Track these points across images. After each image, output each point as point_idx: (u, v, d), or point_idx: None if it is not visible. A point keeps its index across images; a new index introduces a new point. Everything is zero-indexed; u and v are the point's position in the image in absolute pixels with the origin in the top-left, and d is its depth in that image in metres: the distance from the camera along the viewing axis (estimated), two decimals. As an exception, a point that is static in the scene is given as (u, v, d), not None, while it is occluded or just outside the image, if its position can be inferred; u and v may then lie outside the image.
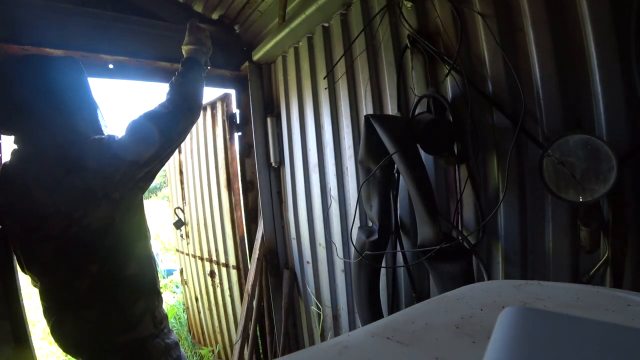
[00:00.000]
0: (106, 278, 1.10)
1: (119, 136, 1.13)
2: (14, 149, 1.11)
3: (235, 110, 2.68)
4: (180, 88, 1.25)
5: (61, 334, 1.13)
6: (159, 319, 1.20)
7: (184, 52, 1.38)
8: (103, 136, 1.14)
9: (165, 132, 1.15)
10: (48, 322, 1.14)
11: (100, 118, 1.21)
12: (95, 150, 1.08)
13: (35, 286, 1.19)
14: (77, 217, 1.04)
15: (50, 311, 1.12)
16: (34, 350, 1.25)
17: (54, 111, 1.08)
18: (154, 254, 1.30)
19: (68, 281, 1.09)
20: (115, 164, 1.08)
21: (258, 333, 2.66)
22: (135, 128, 1.14)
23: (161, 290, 1.27)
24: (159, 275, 1.28)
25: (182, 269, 3.72)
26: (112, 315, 1.10)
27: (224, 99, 2.67)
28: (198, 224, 3.19)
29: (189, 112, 1.23)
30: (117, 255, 1.11)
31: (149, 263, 1.21)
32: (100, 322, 1.09)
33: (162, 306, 1.25)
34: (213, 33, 1.42)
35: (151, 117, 1.16)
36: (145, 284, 1.18)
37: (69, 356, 1.21)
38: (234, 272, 2.79)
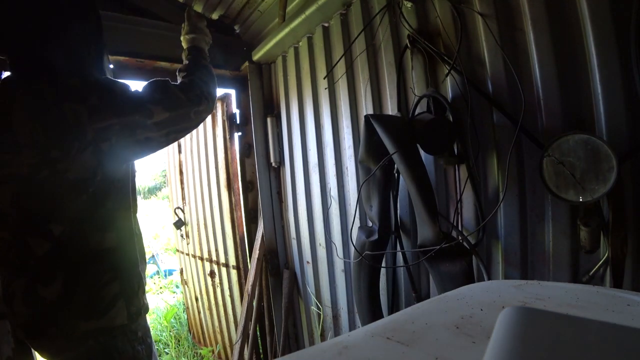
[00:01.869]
0: (73, 246, 0.92)
1: (134, 89, 1.03)
2: (5, 77, 0.98)
3: (235, 110, 2.68)
4: (199, 75, 1.17)
5: (10, 310, 0.92)
6: (136, 309, 1.01)
7: (184, 42, 1.31)
8: (116, 80, 1.04)
9: (184, 105, 1.07)
10: None
11: (105, 59, 1.11)
12: (103, 87, 0.96)
13: None
14: (53, 157, 0.89)
15: (1, 277, 0.92)
16: (34, 350, 1.25)
17: (63, 37, 0.97)
18: (141, 233, 1.15)
19: (20, 239, 0.90)
20: (121, 108, 0.95)
21: (258, 333, 2.66)
22: (158, 86, 1.05)
23: (144, 277, 1.09)
24: (145, 259, 1.18)
25: (182, 269, 3.72)
26: (76, 296, 0.91)
27: (224, 99, 2.67)
28: (198, 224, 3.19)
29: (211, 99, 1.18)
30: (91, 220, 0.94)
31: (131, 238, 1.05)
32: (60, 303, 0.90)
33: (142, 295, 1.05)
34: (213, 33, 1.41)
35: (178, 87, 1.09)
36: (124, 263, 1.01)
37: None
38: (234, 272, 2.79)
